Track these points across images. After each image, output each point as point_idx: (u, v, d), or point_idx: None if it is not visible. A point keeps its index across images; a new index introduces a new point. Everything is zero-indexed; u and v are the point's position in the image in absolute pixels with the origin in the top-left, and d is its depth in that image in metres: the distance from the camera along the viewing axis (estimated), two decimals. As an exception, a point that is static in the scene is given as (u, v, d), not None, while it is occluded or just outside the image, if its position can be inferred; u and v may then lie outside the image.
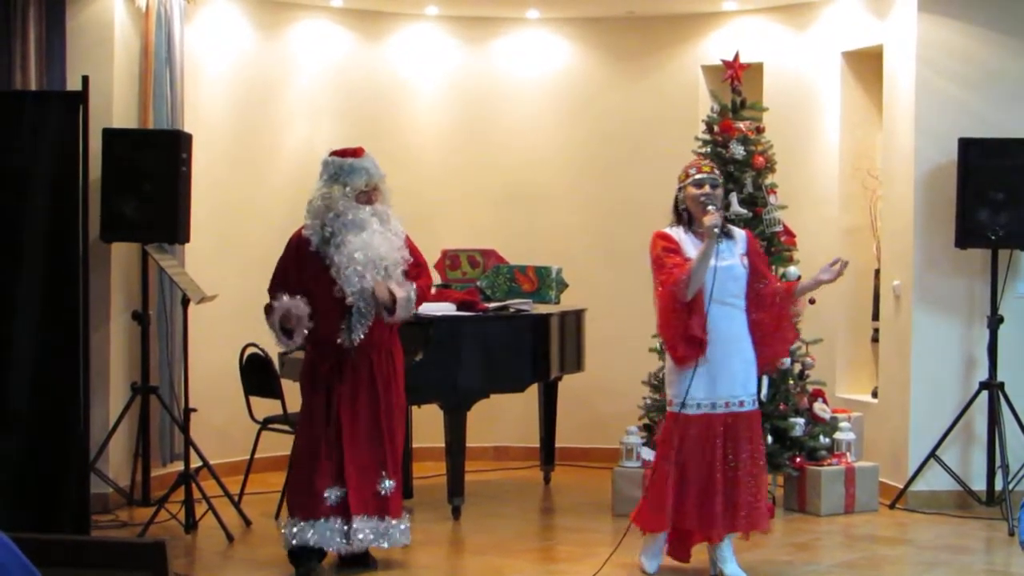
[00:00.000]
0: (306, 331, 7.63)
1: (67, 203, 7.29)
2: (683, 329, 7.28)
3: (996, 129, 9.51)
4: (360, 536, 7.63)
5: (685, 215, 7.53)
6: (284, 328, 7.65)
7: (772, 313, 7.52)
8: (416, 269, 7.93)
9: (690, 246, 7.39)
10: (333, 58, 11.45)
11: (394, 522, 7.75)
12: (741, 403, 7.40)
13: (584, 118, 11.80)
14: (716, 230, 7.20)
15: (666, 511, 7.35)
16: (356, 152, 7.92)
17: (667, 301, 7.34)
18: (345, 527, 7.62)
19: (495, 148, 11.82)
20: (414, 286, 7.80)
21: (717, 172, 7.73)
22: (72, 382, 7.45)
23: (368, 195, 7.77)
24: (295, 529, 7.64)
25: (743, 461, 7.34)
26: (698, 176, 7.51)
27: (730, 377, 7.36)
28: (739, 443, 7.35)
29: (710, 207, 7.34)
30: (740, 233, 7.67)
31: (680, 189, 7.57)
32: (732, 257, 7.41)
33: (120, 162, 8.93)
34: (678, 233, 7.49)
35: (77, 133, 7.29)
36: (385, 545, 7.75)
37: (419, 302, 7.94)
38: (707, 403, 7.35)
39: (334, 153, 7.95)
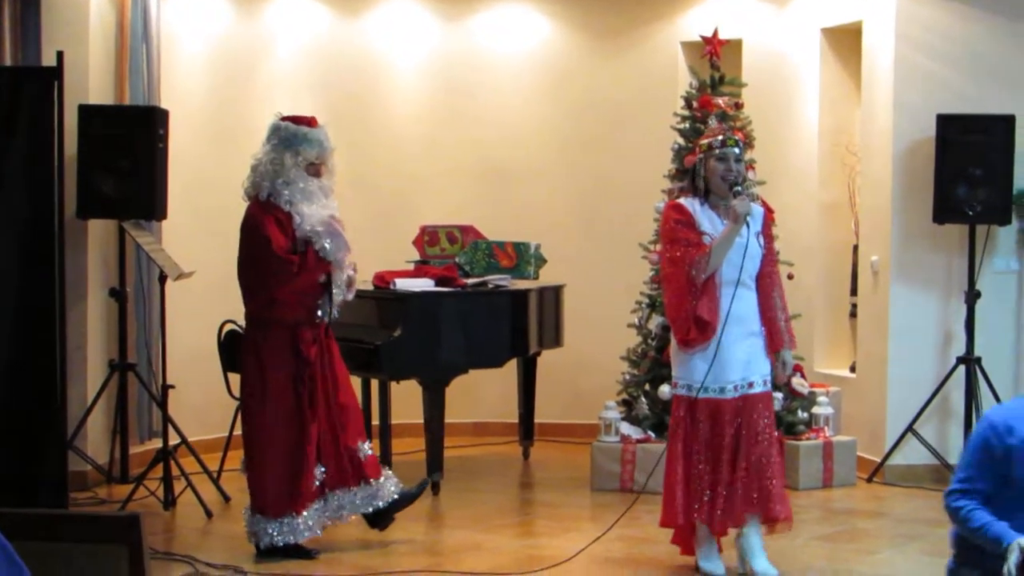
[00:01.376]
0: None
1: (43, 180, 7.26)
2: (693, 310, 6.95)
3: (974, 105, 9.52)
4: (346, 511, 7.67)
5: (702, 186, 7.11)
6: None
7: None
8: None
9: (705, 220, 7.03)
10: (311, 34, 11.42)
11: (381, 480, 7.75)
12: (751, 384, 7.03)
13: (563, 94, 11.79)
14: (747, 216, 6.91)
15: (677, 504, 7.03)
16: (310, 121, 7.76)
17: (679, 280, 7.01)
18: (323, 503, 7.60)
19: (474, 124, 11.80)
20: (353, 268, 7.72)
21: (742, 143, 7.31)
22: (49, 359, 7.44)
23: (317, 168, 7.63)
24: (282, 527, 7.54)
25: (757, 444, 6.99)
26: (721, 151, 7.08)
27: (741, 359, 7.00)
28: (751, 426, 7.00)
29: (737, 189, 6.98)
30: (758, 209, 7.24)
31: (700, 160, 7.14)
32: (750, 234, 7.03)
33: (96, 138, 8.88)
34: (692, 205, 7.09)
35: (52, 109, 7.26)
36: (381, 504, 7.75)
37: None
38: (715, 387, 6.98)
39: (286, 119, 7.76)
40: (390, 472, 7.92)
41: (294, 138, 7.60)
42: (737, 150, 7.12)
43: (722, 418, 6.98)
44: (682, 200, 7.18)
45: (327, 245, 7.46)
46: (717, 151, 7.06)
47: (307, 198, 7.55)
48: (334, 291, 7.56)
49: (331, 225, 7.49)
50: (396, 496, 7.81)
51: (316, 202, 7.55)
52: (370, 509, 7.76)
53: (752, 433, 6.99)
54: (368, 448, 7.76)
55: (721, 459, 6.97)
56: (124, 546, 3.15)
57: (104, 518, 3.24)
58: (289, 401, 7.55)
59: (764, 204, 9.48)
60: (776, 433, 7.27)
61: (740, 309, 7.00)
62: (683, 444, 7.03)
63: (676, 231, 7.03)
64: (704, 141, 7.21)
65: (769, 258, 7.22)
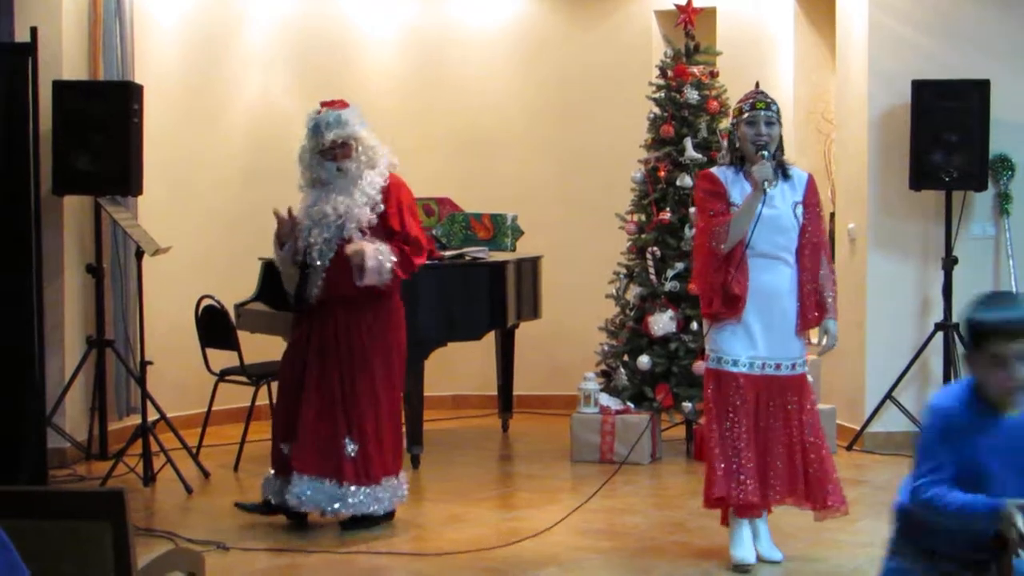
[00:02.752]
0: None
1: (18, 157, 7.21)
2: (719, 283, 6.67)
3: (949, 71, 9.51)
4: (296, 493, 7.43)
5: (738, 156, 6.83)
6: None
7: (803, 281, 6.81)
8: (399, 239, 7.58)
9: (737, 190, 6.73)
10: (286, 7, 11.34)
11: (352, 488, 7.47)
12: (778, 366, 6.72)
13: (538, 64, 11.75)
14: (766, 184, 6.52)
15: (716, 481, 6.71)
16: (332, 104, 7.72)
17: (703, 251, 6.75)
18: (285, 483, 7.56)
19: (449, 95, 11.75)
20: (391, 259, 7.49)
21: (774, 107, 6.84)
22: (27, 337, 7.41)
23: (334, 151, 7.58)
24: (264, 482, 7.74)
25: (791, 429, 6.75)
26: (750, 114, 6.75)
27: (770, 337, 6.70)
28: (782, 409, 6.74)
29: (763, 153, 6.62)
30: (800, 176, 6.92)
31: (734, 126, 6.89)
32: (784, 204, 6.73)
33: (71, 114, 8.81)
34: (726, 174, 6.82)
35: (27, 85, 7.21)
36: (336, 507, 7.46)
37: (400, 273, 7.58)
38: (745, 362, 6.70)
39: (321, 104, 7.79)
40: (383, 489, 7.61)
41: (310, 124, 7.66)
42: (768, 112, 6.75)
43: (748, 395, 6.68)
44: (715, 169, 6.95)
45: (287, 245, 7.67)
46: (747, 115, 6.76)
47: (315, 185, 7.66)
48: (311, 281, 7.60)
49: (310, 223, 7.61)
50: (363, 514, 7.57)
51: (330, 186, 7.58)
52: (336, 507, 7.51)
53: (785, 418, 6.74)
54: (352, 449, 7.49)
55: (750, 438, 6.69)
56: (108, 523, 3.13)
57: (87, 494, 3.23)
58: (285, 373, 7.75)
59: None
60: (814, 415, 6.91)
61: (769, 284, 6.70)
62: (716, 421, 6.73)
63: (705, 201, 6.79)
64: (736, 106, 6.96)
65: (812, 229, 6.84)
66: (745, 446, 6.65)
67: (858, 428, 9.74)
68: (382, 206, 7.59)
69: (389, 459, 7.63)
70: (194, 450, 9.14)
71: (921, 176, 9.40)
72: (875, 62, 9.68)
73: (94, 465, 9.21)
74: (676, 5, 9.81)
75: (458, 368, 11.23)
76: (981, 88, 9.36)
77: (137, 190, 9.07)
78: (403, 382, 7.91)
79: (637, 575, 6.76)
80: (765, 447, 6.73)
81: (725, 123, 9.62)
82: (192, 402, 10.04)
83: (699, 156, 9.46)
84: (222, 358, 9.30)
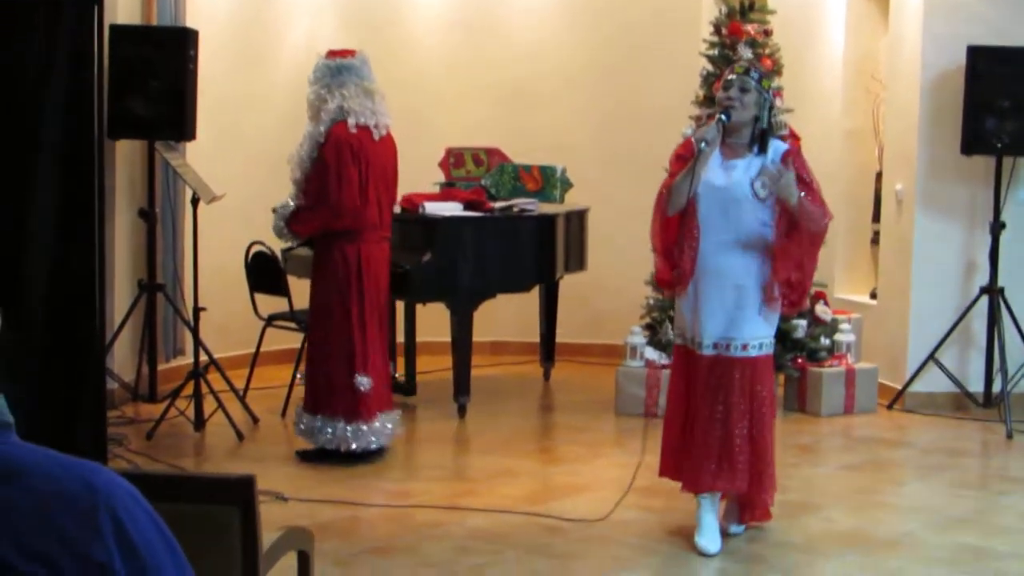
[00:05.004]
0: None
1: (85, 103, 7.23)
2: (663, 247, 6.46)
3: (1004, 37, 9.50)
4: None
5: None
6: None
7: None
8: (311, 194, 7.90)
9: (713, 159, 6.36)
10: (333, -48, 11.34)
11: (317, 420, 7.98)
12: (728, 346, 6.35)
13: (587, 16, 11.72)
14: (702, 145, 6.15)
15: (668, 457, 6.65)
16: (335, 55, 8.01)
17: (654, 213, 6.47)
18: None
19: (496, 45, 11.74)
20: (284, 212, 7.93)
21: (755, 73, 6.42)
22: (88, 280, 7.44)
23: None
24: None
25: (735, 414, 6.36)
26: (728, 77, 6.41)
27: (720, 313, 6.34)
28: (729, 392, 6.36)
29: (720, 116, 6.24)
30: (776, 150, 6.41)
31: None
32: (743, 177, 6.31)
33: (127, 60, 8.84)
34: None
35: (92, 32, 7.21)
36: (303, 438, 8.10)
37: (295, 227, 7.94)
38: (691, 337, 6.45)
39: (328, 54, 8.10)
40: (344, 421, 7.96)
41: None
42: (744, 77, 6.33)
43: (697, 374, 6.41)
44: (694, 133, 6.61)
45: None
46: (724, 80, 6.44)
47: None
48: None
49: None
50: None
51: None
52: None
53: (731, 401, 6.37)
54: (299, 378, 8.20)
55: (690, 419, 6.46)
56: (236, 507, 3.19)
57: (218, 480, 3.29)
58: None
59: (792, 131, 9.46)
60: (765, 403, 6.48)
61: (720, 257, 6.34)
62: (672, 395, 6.64)
63: (671, 163, 6.51)
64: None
65: (786, 209, 6.25)
66: (686, 423, 6.48)
67: (899, 388, 9.80)
68: (306, 164, 7.85)
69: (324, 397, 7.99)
70: (241, 393, 9.22)
71: (973, 141, 9.41)
72: (929, 25, 9.66)
73: (142, 407, 9.30)
74: (731, -38, 9.79)
75: (497, 315, 11.24)
76: (1036, 54, 9.38)
77: (191, 135, 9.11)
78: (346, 329, 7.96)
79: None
80: (706, 427, 6.40)
81: (778, 82, 9.64)
82: (235, 343, 10.13)
83: (751, 114, 9.46)
84: (269, 303, 9.36)
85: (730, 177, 6.31)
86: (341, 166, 7.73)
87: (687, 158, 6.32)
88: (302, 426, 8.01)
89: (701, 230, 6.33)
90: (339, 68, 7.83)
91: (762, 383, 6.43)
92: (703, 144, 6.15)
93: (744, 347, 6.37)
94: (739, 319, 6.35)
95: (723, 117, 6.26)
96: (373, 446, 7.98)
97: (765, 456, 6.47)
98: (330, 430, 7.89)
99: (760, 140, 6.38)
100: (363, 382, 7.86)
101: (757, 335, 6.40)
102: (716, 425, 6.38)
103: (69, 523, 2.28)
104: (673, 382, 6.65)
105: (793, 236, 6.30)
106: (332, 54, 7.95)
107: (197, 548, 3.12)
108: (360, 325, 7.87)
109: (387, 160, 8.03)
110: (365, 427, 7.91)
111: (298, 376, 8.57)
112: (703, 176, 6.28)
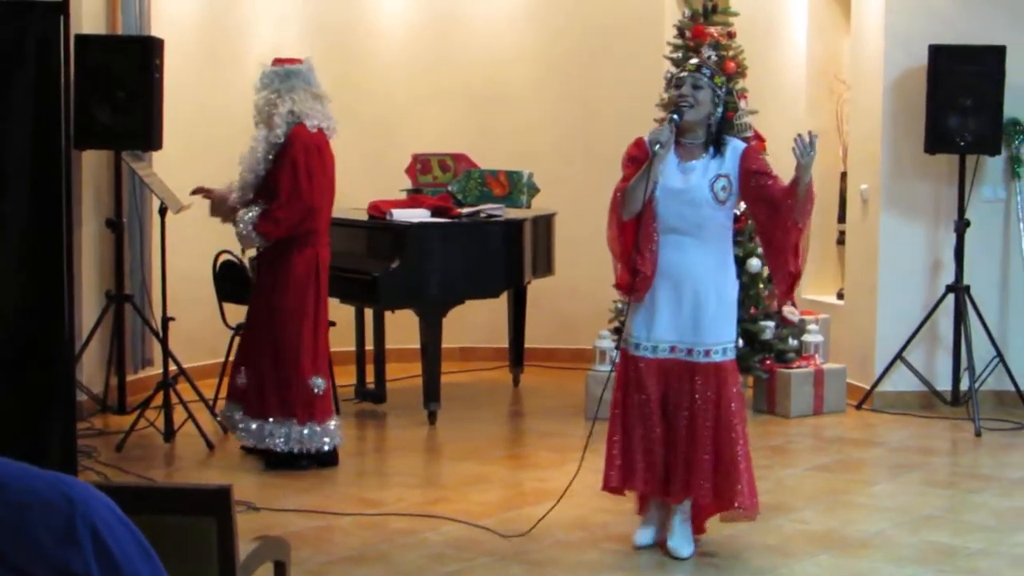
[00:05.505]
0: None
1: (51, 114, 7.20)
2: (621, 251, 6.35)
3: (966, 35, 9.57)
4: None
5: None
6: None
7: (780, 220, 6.20)
8: (282, 194, 7.93)
9: (669, 160, 6.24)
10: (297, -41, 11.33)
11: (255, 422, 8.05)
12: (689, 351, 6.24)
13: (552, 19, 11.74)
14: (656, 147, 6.07)
15: (613, 467, 6.46)
16: (282, 62, 8.15)
17: (610, 216, 6.38)
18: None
19: (462, 49, 11.75)
20: (250, 216, 7.96)
21: (707, 70, 6.37)
22: (56, 291, 7.41)
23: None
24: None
25: (698, 420, 6.24)
26: (679, 75, 6.36)
27: (679, 319, 6.24)
28: (689, 397, 6.25)
29: (672, 116, 6.17)
30: (735, 150, 6.34)
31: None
32: (701, 179, 6.21)
33: (93, 69, 8.81)
34: None
35: (57, 42, 7.19)
36: (251, 442, 8.13)
37: (265, 230, 7.94)
38: (647, 345, 6.30)
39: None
40: (290, 424, 8.01)
41: None
42: (696, 75, 6.25)
43: (651, 380, 6.27)
44: (648, 135, 6.34)
45: None
46: (675, 79, 6.41)
47: None
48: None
49: None
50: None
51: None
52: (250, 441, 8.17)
53: (686, 405, 6.25)
54: (241, 378, 8.14)
55: (651, 427, 6.31)
56: (213, 518, 3.19)
57: (194, 491, 3.29)
58: None
59: (756, 133, 9.52)
60: (731, 407, 6.31)
61: (679, 262, 6.24)
62: (616, 404, 6.43)
63: (623, 166, 6.38)
64: None
65: (769, 195, 6.23)
66: (638, 433, 6.32)
67: (867, 387, 9.83)
68: (262, 164, 7.96)
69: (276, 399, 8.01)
70: (211, 403, 9.19)
71: (936, 140, 9.47)
72: (891, 25, 9.71)
73: (111, 418, 9.25)
74: (695, -36, 9.83)
75: (467, 320, 11.27)
76: (997, 54, 9.43)
77: (158, 144, 9.09)
78: (306, 331, 8.03)
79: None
80: (665, 436, 6.29)
81: (742, 84, 9.69)
82: (204, 353, 10.12)
83: (715, 116, 9.50)
84: (237, 312, 9.33)
85: (688, 180, 6.22)
86: (311, 165, 7.85)
87: (640, 159, 6.24)
88: (243, 429, 8.13)
89: (660, 233, 6.25)
90: (288, 74, 7.98)
91: (728, 389, 6.29)
92: (657, 146, 6.06)
93: (707, 352, 6.26)
94: (701, 323, 6.25)
95: (675, 117, 6.17)
96: (327, 447, 8.04)
97: (736, 463, 6.29)
98: (283, 432, 7.93)
99: (716, 139, 6.31)
100: (319, 384, 7.97)
101: (720, 340, 6.30)
102: (681, 434, 6.26)
103: (47, 535, 2.29)
104: (625, 392, 6.40)
105: (790, 227, 6.21)
106: (278, 62, 8.07)
107: (174, 559, 3.12)
108: (316, 327, 8.01)
109: (333, 164, 8.10)
110: (320, 428, 7.99)
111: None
112: (660, 178, 6.19)
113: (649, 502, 6.58)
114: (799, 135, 6.10)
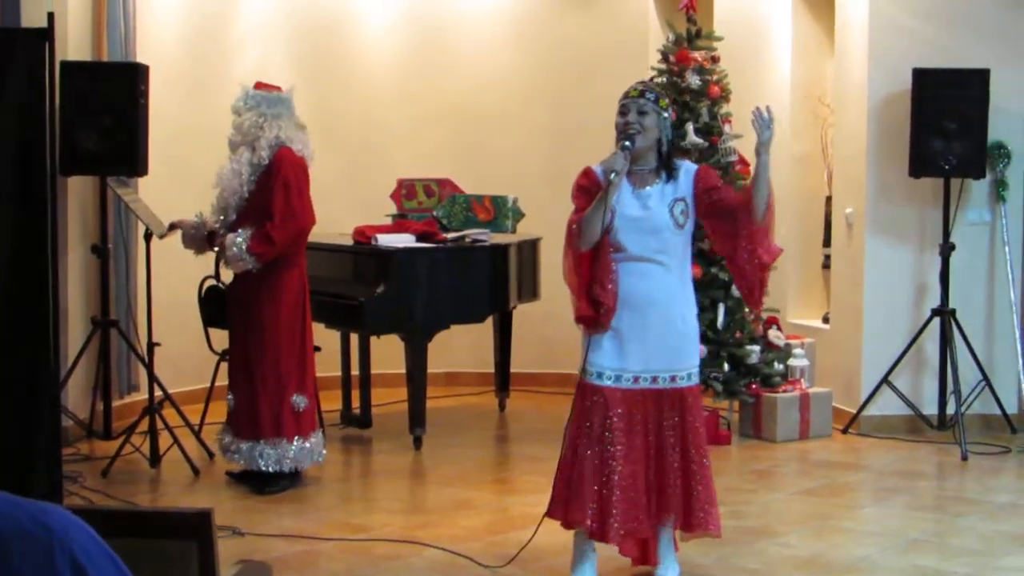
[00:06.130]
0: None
1: (36, 140, 7.20)
2: (579, 284, 6.13)
3: (949, 59, 9.60)
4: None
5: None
6: None
7: (744, 225, 6.11)
8: (267, 216, 7.95)
9: (622, 188, 6.08)
10: (283, -16, 11.35)
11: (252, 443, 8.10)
12: (654, 379, 6.09)
13: (536, 44, 11.79)
14: (612, 176, 5.88)
15: (558, 501, 6.34)
16: (262, 87, 8.22)
17: (565, 249, 6.17)
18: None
19: (446, 75, 11.78)
20: (243, 237, 7.95)
21: (650, 95, 6.14)
22: (42, 317, 7.40)
23: None
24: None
25: (667, 449, 6.13)
26: (622, 103, 6.12)
27: (643, 348, 6.08)
28: (657, 427, 6.13)
29: (624, 144, 5.98)
30: (688, 170, 6.19)
31: None
32: (660, 205, 6.07)
33: (79, 95, 8.81)
34: None
35: (44, 69, 7.20)
36: (241, 463, 8.20)
37: (259, 250, 7.94)
38: (611, 375, 6.09)
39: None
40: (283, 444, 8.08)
41: None
42: (639, 100, 6.08)
43: (612, 412, 6.06)
44: (598, 165, 6.14)
45: None
46: (620, 105, 6.14)
47: None
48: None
49: None
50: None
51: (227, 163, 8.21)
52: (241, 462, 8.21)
53: (655, 434, 6.12)
54: (230, 400, 8.25)
55: (612, 460, 6.07)
56: (194, 542, 3.17)
57: (175, 514, 3.27)
58: None
59: (741, 157, 9.54)
60: (698, 433, 6.21)
61: (642, 290, 6.10)
62: (571, 437, 6.23)
63: (573, 197, 6.18)
64: None
65: (723, 207, 6.15)
66: (589, 467, 6.11)
67: (853, 412, 9.84)
68: (246, 186, 8.01)
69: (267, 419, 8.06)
70: (196, 428, 9.17)
71: (921, 163, 9.49)
72: (875, 49, 9.75)
73: (97, 444, 9.23)
74: (679, -11, 9.85)
75: (452, 345, 11.26)
76: (981, 77, 9.45)
77: (143, 170, 9.08)
78: (296, 350, 8.14)
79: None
80: (634, 470, 6.09)
81: (727, 108, 9.71)
82: (190, 378, 10.11)
83: (700, 141, 9.53)
84: (223, 337, 9.30)
85: (646, 207, 6.07)
86: (302, 186, 7.96)
87: (590, 189, 6.09)
88: (234, 451, 8.17)
89: (619, 262, 6.09)
90: (276, 99, 8.07)
91: (693, 415, 6.19)
92: (612, 175, 5.88)
93: (673, 379, 6.15)
94: (667, 350, 6.13)
95: (628, 144, 6.00)
96: (314, 461, 8.21)
97: (707, 484, 6.22)
98: (271, 451, 7.98)
99: (667, 163, 6.17)
100: (302, 401, 8.06)
101: (685, 365, 6.19)
102: (650, 462, 6.14)
103: (26, 563, 2.28)
104: (584, 423, 6.15)
105: (754, 231, 6.12)
106: (261, 85, 8.15)
107: (155, 584, 3.10)
108: (304, 346, 8.10)
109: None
110: (308, 445, 8.09)
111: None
112: (616, 207, 6.04)
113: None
114: (756, 107, 6.02)
